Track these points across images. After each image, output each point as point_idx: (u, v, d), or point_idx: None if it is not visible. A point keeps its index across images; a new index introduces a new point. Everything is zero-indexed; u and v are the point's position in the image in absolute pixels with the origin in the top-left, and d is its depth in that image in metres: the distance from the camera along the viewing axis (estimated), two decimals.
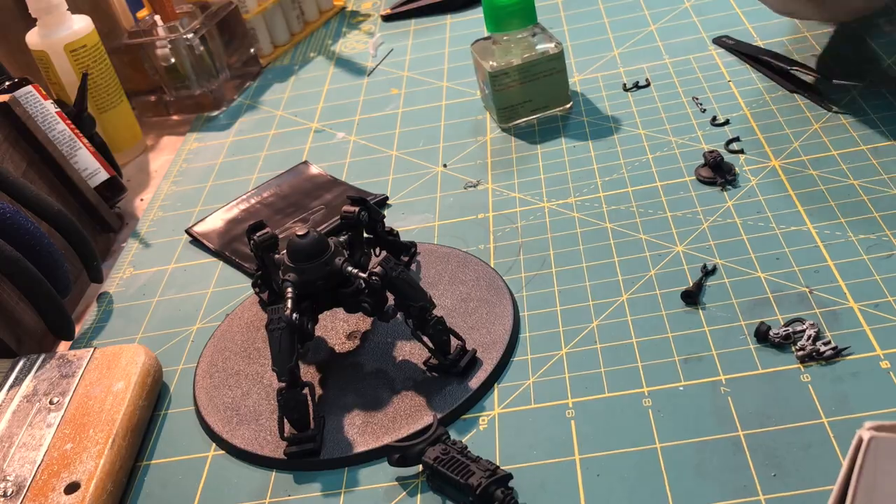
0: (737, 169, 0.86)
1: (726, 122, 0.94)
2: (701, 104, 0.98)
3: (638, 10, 1.23)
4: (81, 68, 1.10)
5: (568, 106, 1.04)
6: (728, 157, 0.88)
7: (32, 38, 1.11)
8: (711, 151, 0.87)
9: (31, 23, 1.10)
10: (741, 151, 0.89)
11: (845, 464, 0.47)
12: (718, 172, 0.86)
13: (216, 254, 0.95)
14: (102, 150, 1.08)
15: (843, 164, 0.84)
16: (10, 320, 0.83)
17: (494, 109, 1.03)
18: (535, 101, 1.02)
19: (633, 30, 1.18)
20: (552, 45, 1.00)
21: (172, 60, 1.22)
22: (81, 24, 1.11)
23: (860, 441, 0.47)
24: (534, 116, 1.03)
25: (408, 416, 0.69)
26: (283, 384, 0.67)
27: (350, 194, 0.95)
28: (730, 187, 0.85)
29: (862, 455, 0.46)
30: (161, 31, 1.22)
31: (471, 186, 0.94)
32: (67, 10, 1.10)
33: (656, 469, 0.61)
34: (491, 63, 1.00)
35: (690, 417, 0.64)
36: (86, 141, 1.03)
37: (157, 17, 1.23)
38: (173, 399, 0.78)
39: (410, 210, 0.94)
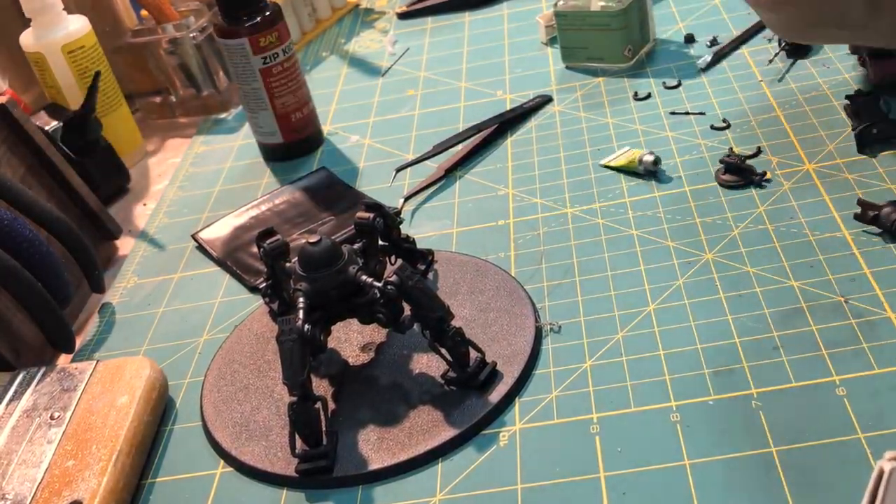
0: (769, 173, 0.87)
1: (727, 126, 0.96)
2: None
3: (665, 9, 1.23)
4: (80, 70, 1.11)
5: (623, 65, 1.11)
6: (754, 161, 0.89)
7: (27, 39, 1.11)
8: (729, 155, 0.87)
9: (29, 24, 1.11)
10: (757, 154, 0.90)
11: (866, 497, 0.47)
12: (743, 175, 0.86)
13: (218, 262, 0.96)
14: (110, 154, 1.10)
15: (880, 167, 0.84)
16: (7, 332, 0.84)
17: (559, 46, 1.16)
18: (590, 49, 1.11)
19: (662, 27, 1.18)
20: (614, 3, 1.07)
21: (178, 60, 1.23)
22: (78, 25, 1.11)
23: (881, 473, 0.47)
24: (591, 63, 1.13)
25: (425, 431, 0.70)
26: (295, 398, 0.68)
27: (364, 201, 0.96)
28: (759, 188, 0.85)
29: (883, 488, 0.46)
30: (166, 30, 1.23)
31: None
32: (63, 9, 1.11)
33: (685, 487, 0.61)
34: (560, 1, 1.12)
35: (720, 433, 0.64)
36: None
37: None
38: (180, 414, 0.79)
39: (427, 216, 0.95)
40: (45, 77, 1.12)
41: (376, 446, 0.70)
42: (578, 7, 1.09)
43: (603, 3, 1.08)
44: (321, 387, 0.76)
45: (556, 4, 1.12)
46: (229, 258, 0.95)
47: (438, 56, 1.27)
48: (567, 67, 1.15)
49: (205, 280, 0.94)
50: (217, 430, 0.75)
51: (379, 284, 0.71)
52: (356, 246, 0.77)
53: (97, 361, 0.80)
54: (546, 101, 1.09)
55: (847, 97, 0.93)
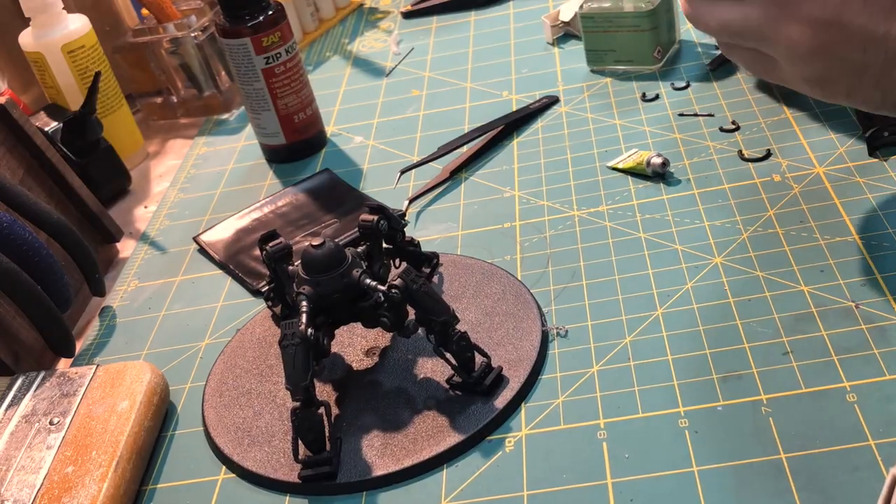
0: (778, 177, 0.87)
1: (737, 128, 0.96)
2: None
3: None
4: (80, 70, 1.11)
5: (654, 67, 1.10)
6: (764, 163, 0.89)
7: (26, 38, 1.11)
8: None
9: (28, 23, 1.11)
10: (766, 157, 0.90)
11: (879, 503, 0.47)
12: None
13: (220, 265, 0.96)
14: (110, 155, 1.10)
15: (891, 171, 0.84)
16: (6, 336, 0.84)
17: (584, 49, 1.14)
18: (618, 52, 1.10)
19: None
20: (644, 3, 1.06)
21: (180, 60, 1.23)
22: (78, 24, 1.12)
23: (895, 479, 0.47)
24: (618, 67, 1.12)
25: (429, 437, 0.70)
26: (298, 403, 0.68)
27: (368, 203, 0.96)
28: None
29: None
30: (167, 29, 1.23)
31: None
32: (63, 9, 1.11)
33: (693, 494, 0.61)
34: (586, 4, 1.10)
35: (730, 439, 0.64)
36: None
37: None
38: (181, 419, 0.79)
39: (432, 219, 0.95)
40: (45, 77, 1.12)
41: (380, 452, 0.70)
42: (606, 9, 1.08)
43: (632, 4, 1.07)
44: (324, 392, 0.76)
45: (581, 6, 1.10)
46: (231, 261, 0.95)
47: (443, 56, 1.27)
48: (592, 71, 1.13)
49: (206, 283, 0.94)
50: (219, 435, 0.75)
51: (383, 288, 0.71)
52: (360, 249, 0.77)
53: (97, 366, 0.80)
54: (552, 101, 1.09)
55: None
